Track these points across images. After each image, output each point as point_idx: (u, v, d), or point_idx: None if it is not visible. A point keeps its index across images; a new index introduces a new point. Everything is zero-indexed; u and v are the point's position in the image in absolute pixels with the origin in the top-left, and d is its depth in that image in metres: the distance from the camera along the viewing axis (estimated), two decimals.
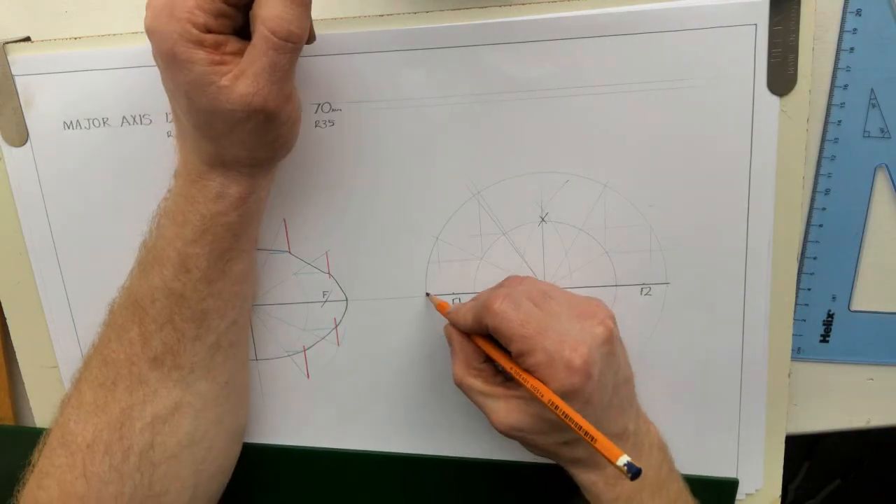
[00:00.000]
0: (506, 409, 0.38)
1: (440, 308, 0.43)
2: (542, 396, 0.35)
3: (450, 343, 0.42)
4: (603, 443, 0.33)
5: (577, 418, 0.34)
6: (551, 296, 0.39)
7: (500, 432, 0.38)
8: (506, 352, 0.38)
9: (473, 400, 0.40)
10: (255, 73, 0.32)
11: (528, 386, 0.36)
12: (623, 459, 0.32)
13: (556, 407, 0.35)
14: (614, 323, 0.39)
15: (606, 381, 0.37)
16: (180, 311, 0.37)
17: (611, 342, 0.38)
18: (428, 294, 0.44)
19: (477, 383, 0.39)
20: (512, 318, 0.36)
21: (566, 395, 0.35)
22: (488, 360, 0.40)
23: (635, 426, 0.40)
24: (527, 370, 0.37)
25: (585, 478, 0.40)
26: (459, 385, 0.40)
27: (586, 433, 0.34)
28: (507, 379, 0.40)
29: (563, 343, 0.36)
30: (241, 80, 0.32)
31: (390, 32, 0.40)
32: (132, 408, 0.37)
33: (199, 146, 0.35)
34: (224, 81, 0.32)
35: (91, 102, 0.42)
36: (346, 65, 0.41)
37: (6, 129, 0.42)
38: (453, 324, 0.41)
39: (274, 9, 0.31)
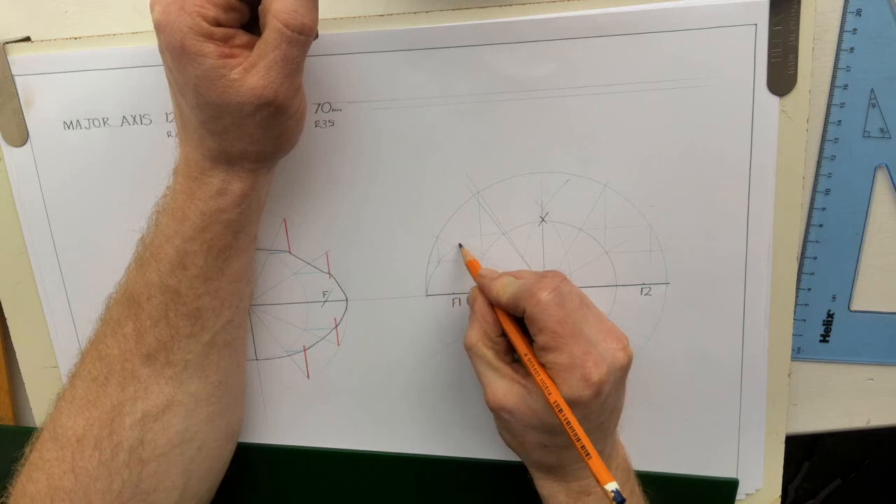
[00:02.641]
0: (504, 389, 0.38)
1: (470, 266, 0.42)
2: (549, 394, 0.35)
3: (471, 305, 0.41)
4: (596, 462, 0.33)
5: (579, 429, 0.34)
6: (587, 305, 0.39)
7: (490, 407, 0.39)
8: (525, 338, 0.38)
9: (477, 368, 0.40)
10: (266, 65, 0.32)
11: (539, 379, 0.36)
12: (612, 486, 0.32)
13: (561, 410, 0.35)
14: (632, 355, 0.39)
15: (608, 404, 0.37)
16: (175, 308, 0.37)
17: (625, 370, 0.38)
18: (461, 245, 0.43)
19: (488, 354, 0.39)
20: (553, 312, 0.36)
21: (571, 404, 0.35)
22: (504, 335, 0.40)
23: (610, 450, 0.40)
24: (544, 365, 0.37)
25: (547, 486, 0.40)
26: (469, 349, 0.40)
27: (583, 447, 0.34)
28: (514, 360, 0.40)
29: (589, 355, 0.36)
30: (252, 72, 0.32)
31: (391, 32, 0.40)
32: (123, 404, 0.37)
33: (203, 142, 0.35)
34: (234, 74, 0.32)
35: (91, 102, 0.42)
36: (346, 65, 0.41)
37: (6, 129, 0.42)
38: (484, 291, 0.40)
39: (287, 2, 0.32)
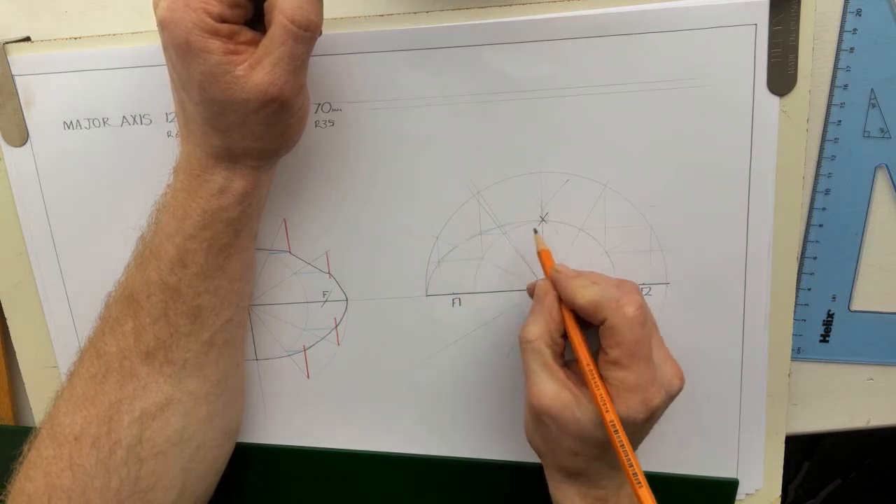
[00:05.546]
0: (553, 392, 0.37)
1: (544, 256, 0.41)
2: (606, 412, 0.34)
3: (538, 298, 0.39)
4: (646, 490, 0.33)
5: (631, 453, 0.34)
6: (656, 328, 0.38)
7: (533, 408, 0.37)
8: (589, 345, 0.37)
9: (529, 364, 0.38)
10: (272, 62, 0.32)
11: (598, 394, 0.35)
12: None
13: (616, 431, 0.34)
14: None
15: (649, 429, 0.38)
16: (175, 306, 0.37)
17: (674, 399, 0.38)
18: (536, 231, 0.42)
19: (546, 352, 0.38)
20: (635, 330, 0.35)
21: (623, 424, 0.35)
22: (566, 337, 0.39)
23: None
24: (605, 379, 0.36)
25: (564, 489, 0.39)
26: (528, 342, 0.38)
27: (634, 473, 0.33)
28: (566, 364, 0.39)
29: (654, 380, 0.36)
30: (258, 69, 0.33)
31: (391, 32, 0.40)
32: (121, 402, 0.37)
33: (207, 140, 0.35)
34: (239, 71, 0.32)
35: (91, 102, 0.42)
36: (346, 65, 0.41)
37: (6, 129, 0.42)
38: (558, 288, 0.39)
39: None
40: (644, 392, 0.35)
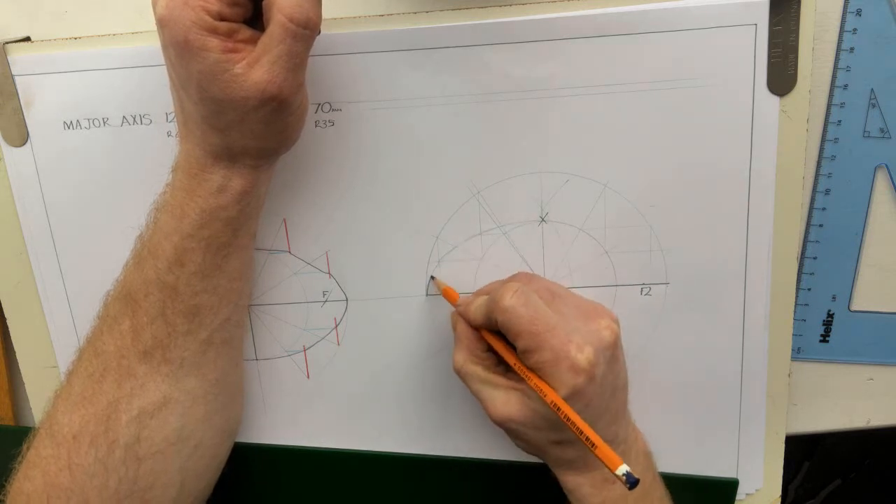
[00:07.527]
0: (503, 400, 0.38)
1: (447, 295, 0.43)
2: (545, 396, 0.35)
3: (453, 330, 0.41)
4: (603, 450, 0.33)
5: (579, 422, 0.34)
6: (559, 295, 0.39)
7: (495, 422, 0.38)
8: (511, 348, 0.38)
9: (471, 387, 0.40)
10: (270, 60, 0.32)
11: (532, 384, 0.36)
12: (622, 469, 0.32)
13: (558, 409, 0.35)
14: (619, 328, 0.39)
15: (607, 385, 0.37)
16: (173, 305, 0.37)
17: (615, 346, 0.38)
18: (433, 277, 0.44)
19: (478, 370, 0.39)
20: (521, 314, 0.36)
21: (568, 396, 0.35)
22: (491, 350, 0.40)
23: (625, 433, 0.40)
24: (531, 367, 0.36)
25: (571, 480, 0.39)
26: (459, 371, 0.40)
27: (587, 438, 0.34)
28: (507, 370, 0.39)
29: (570, 342, 0.36)
30: (256, 67, 0.33)
31: (391, 32, 0.40)
32: (119, 401, 0.37)
33: (205, 138, 0.35)
34: (238, 69, 0.32)
35: (91, 102, 0.42)
36: (346, 65, 0.41)
37: (6, 129, 0.42)
38: (463, 317, 0.41)
39: None
40: (566, 359, 0.35)
